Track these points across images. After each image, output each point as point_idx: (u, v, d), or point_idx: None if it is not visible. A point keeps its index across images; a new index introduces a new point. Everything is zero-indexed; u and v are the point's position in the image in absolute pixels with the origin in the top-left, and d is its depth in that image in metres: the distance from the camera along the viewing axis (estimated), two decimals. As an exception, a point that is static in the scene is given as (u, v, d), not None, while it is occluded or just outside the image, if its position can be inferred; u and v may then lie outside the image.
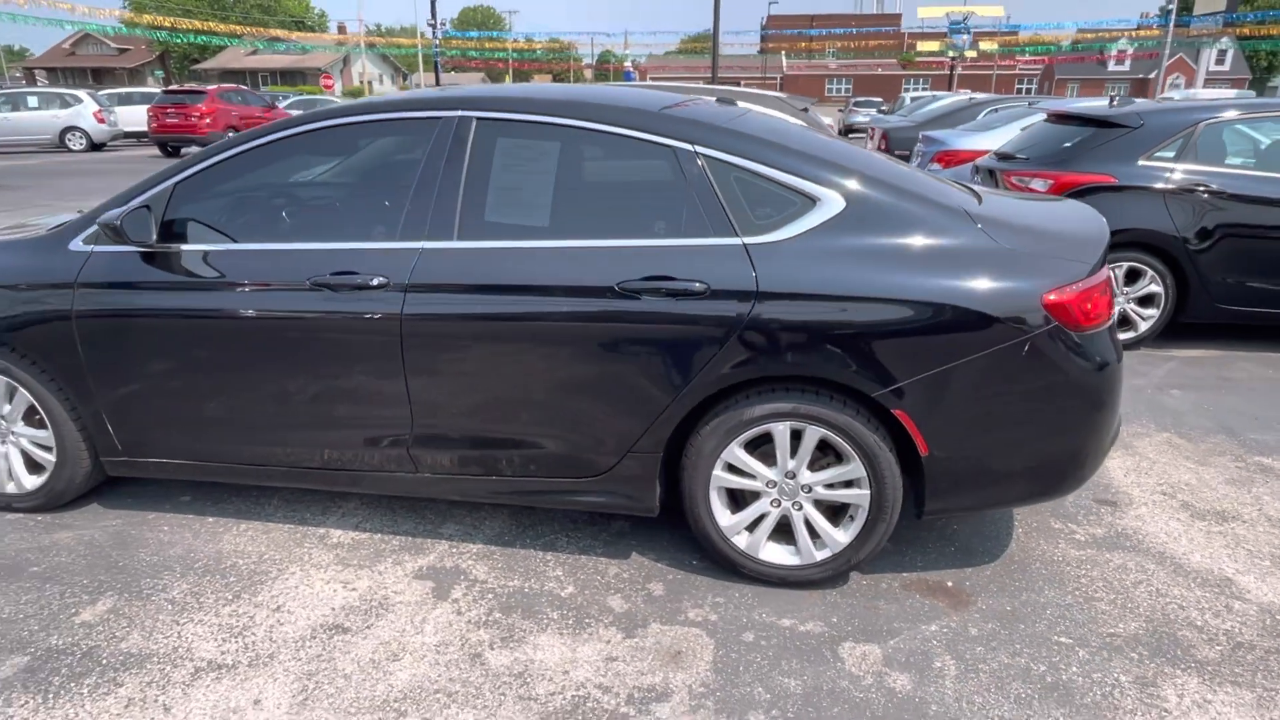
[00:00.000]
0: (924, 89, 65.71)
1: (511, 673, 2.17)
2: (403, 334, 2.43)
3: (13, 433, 2.87)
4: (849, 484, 2.41)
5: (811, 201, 2.34)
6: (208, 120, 17.54)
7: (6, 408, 2.85)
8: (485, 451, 2.55)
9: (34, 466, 2.93)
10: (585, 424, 2.45)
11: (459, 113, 2.50)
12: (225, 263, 2.54)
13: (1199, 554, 2.75)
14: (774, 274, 2.26)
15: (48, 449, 2.85)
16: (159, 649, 2.25)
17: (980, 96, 11.63)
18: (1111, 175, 4.65)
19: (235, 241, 2.57)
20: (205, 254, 2.56)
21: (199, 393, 2.63)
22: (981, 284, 2.22)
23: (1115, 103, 5.29)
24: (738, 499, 2.54)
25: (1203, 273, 4.63)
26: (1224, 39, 27.33)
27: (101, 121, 19.34)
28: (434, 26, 33.92)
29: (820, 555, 2.47)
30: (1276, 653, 2.25)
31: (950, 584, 2.57)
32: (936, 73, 67.54)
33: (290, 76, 55.31)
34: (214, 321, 2.54)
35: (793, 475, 2.43)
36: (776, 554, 2.52)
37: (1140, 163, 4.64)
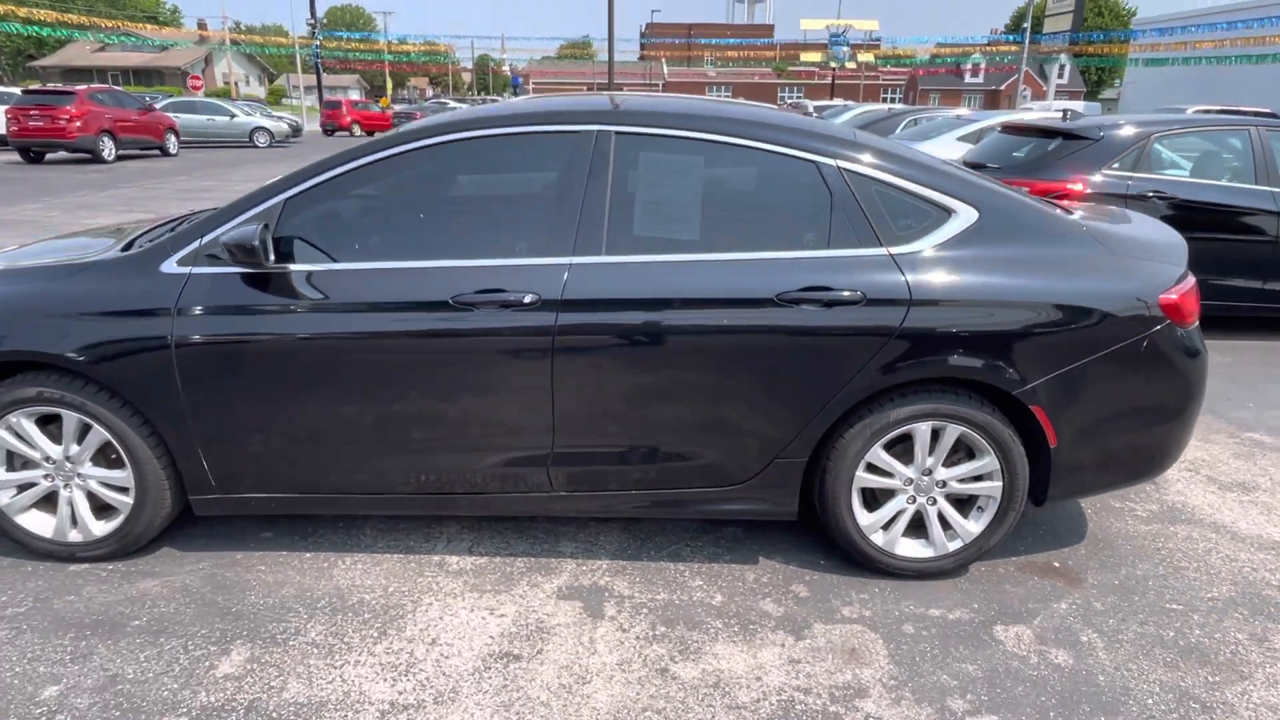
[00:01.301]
0: (798, 97, 68.77)
1: (706, 684, 2.19)
2: (554, 350, 2.39)
3: (79, 475, 2.60)
4: (979, 477, 2.57)
5: (947, 213, 2.48)
6: (78, 124, 16.03)
7: (74, 448, 2.57)
8: (630, 466, 2.54)
9: (100, 511, 2.66)
10: (735, 433, 2.49)
11: (597, 127, 2.49)
12: (353, 282, 2.41)
13: (1244, 522, 3.10)
14: (923, 282, 2.39)
15: (122, 490, 2.60)
16: (329, 696, 2.12)
17: (898, 107, 12.33)
18: (1080, 184, 5.10)
19: (357, 260, 2.45)
20: (330, 273, 2.42)
21: (313, 420, 2.48)
22: (1106, 288, 2.44)
23: (1068, 117, 5.80)
24: (871, 498, 2.65)
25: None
26: (1063, 55, 29.99)
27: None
28: (314, 26, 32.39)
29: (952, 546, 2.62)
30: (1348, 602, 2.59)
31: (1057, 564, 2.79)
32: (808, 82, 70.91)
33: (146, 76, 51.24)
34: (338, 344, 2.40)
35: (929, 472, 2.57)
36: (911, 548, 2.64)
37: (1104, 171, 5.12)
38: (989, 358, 2.41)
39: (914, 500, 2.60)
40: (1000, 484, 2.55)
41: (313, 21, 32.62)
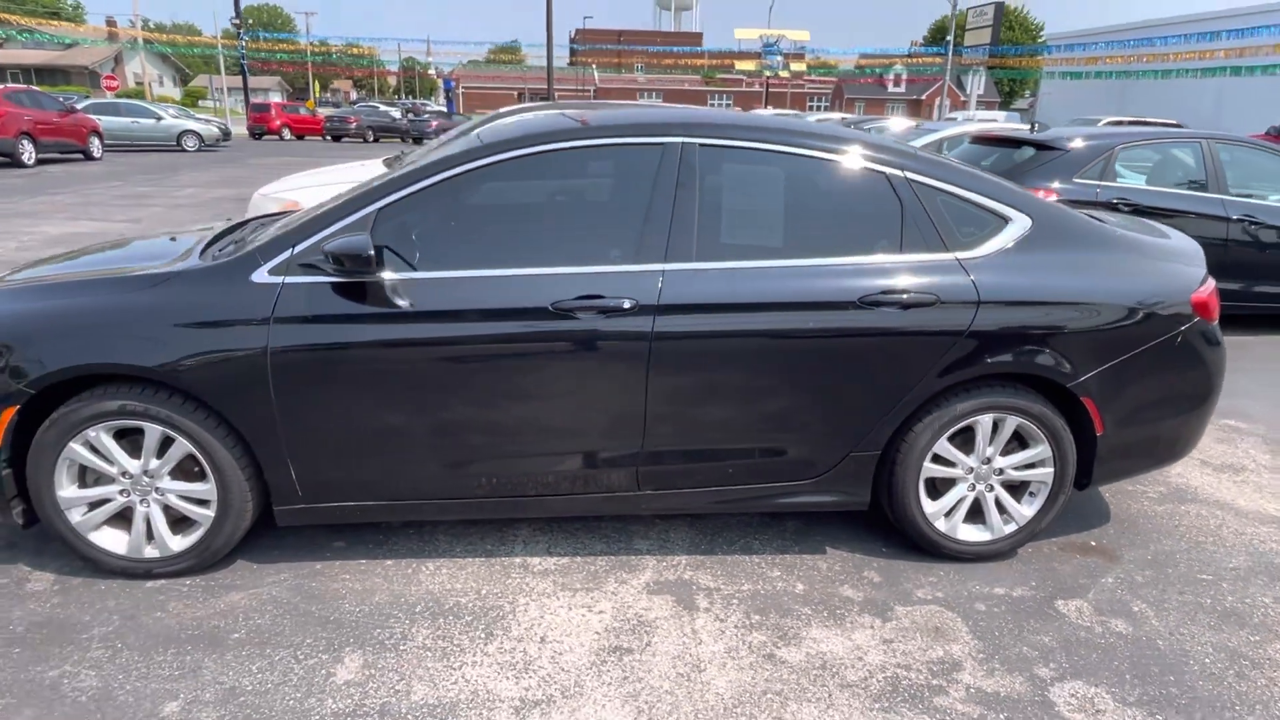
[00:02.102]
0: (727, 104, 70.06)
1: (814, 666, 2.32)
2: (650, 354, 2.48)
3: (157, 489, 2.55)
4: (1032, 465, 2.78)
5: (1004, 221, 2.69)
6: (-5, 124, 15.13)
7: (154, 462, 2.52)
8: (714, 464, 2.65)
9: (174, 525, 2.62)
10: (815, 429, 2.64)
11: (681, 139, 2.60)
12: (451, 290, 2.45)
13: (1242, 500, 3.42)
14: (988, 284, 2.59)
15: (201, 503, 2.57)
16: (458, 696, 2.16)
17: (850, 117, 12.78)
18: (1055, 191, 5.46)
19: (453, 268, 2.48)
20: (428, 281, 2.45)
21: (406, 427, 2.51)
22: (1147, 288, 2.68)
23: (1036, 129, 6.19)
24: (932, 487, 2.83)
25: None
26: (979, 67, 31.51)
27: None
28: (239, 26, 31.29)
29: (1008, 529, 2.83)
30: (1348, 566, 2.90)
31: (1093, 543, 3.03)
32: (737, 90, 72.29)
33: (49, 75, 48.45)
34: (436, 351, 2.44)
35: (988, 461, 2.77)
36: (970, 533, 2.84)
37: (1075, 179, 5.50)
38: (1047, 354, 2.62)
39: (973, 488, 2.80)
40: (1052, 470, 2.77)
41: (237, 21, 31.51)
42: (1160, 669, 2.34)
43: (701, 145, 2.60)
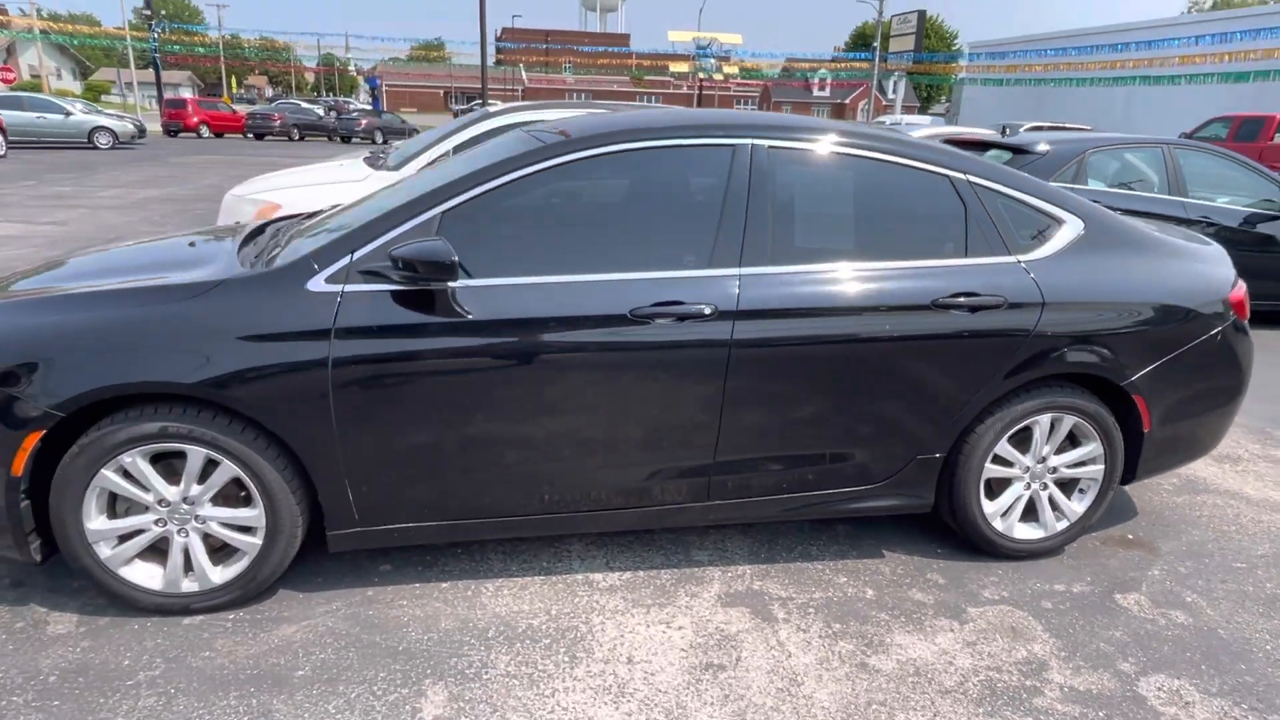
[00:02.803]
0: (656, 105, 70.43)
1: (908, 673, 2.30)
2: (729, 360, 2.42)
3: (197, 517, 2.34)
4: (1083, 463, 2.84)
5: (1059, 223, 2.73)
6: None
7: (195, 488, 2.32)
8: (786, 470, 2.61)
9: (215, 555, 2.41)
10: (885, 433, 2.62)
11: (750, 140, 2.54)
12: (523, 296, 2.33)
13: (1249, 489, 3.58)
14: (1051, 286, 2.62)
15: (245, 530, 2.37)
16: (559, 725, 2.05)
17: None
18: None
19: (524, 274, 2.36)
20: (499, 288, 2.32)
21: (474, 441, 2.38)
22: (1193, 288, 2.78)
23: (1007, 133, 6.38)
24: (987, 487, 2.85)
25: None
26: (902, 73, 32.58)
27: None
28: (150, 17, 29.63)
29: (1060, 526, 2.88)
30: (1363, 549, 3.07)
31: (1130, 537, 3.11)
32: (665, 91, 72.83)
33: (-68, 65, 44.70)
34: (506, 361, 2.32)
35: (1043, 460, 2.81)
36: (1025, 531, 2.88)
37: (1050, 182, 5.69)
38: (1103, 353, 2.68)
39: (1029, 486, 2.84)
40: (1103, 467, 2.83)
41: (147, 11, 29.86)
42: (1230, 658, 2.42)
43: (770, 147, 2.55)
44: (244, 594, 2.43)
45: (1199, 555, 3.00)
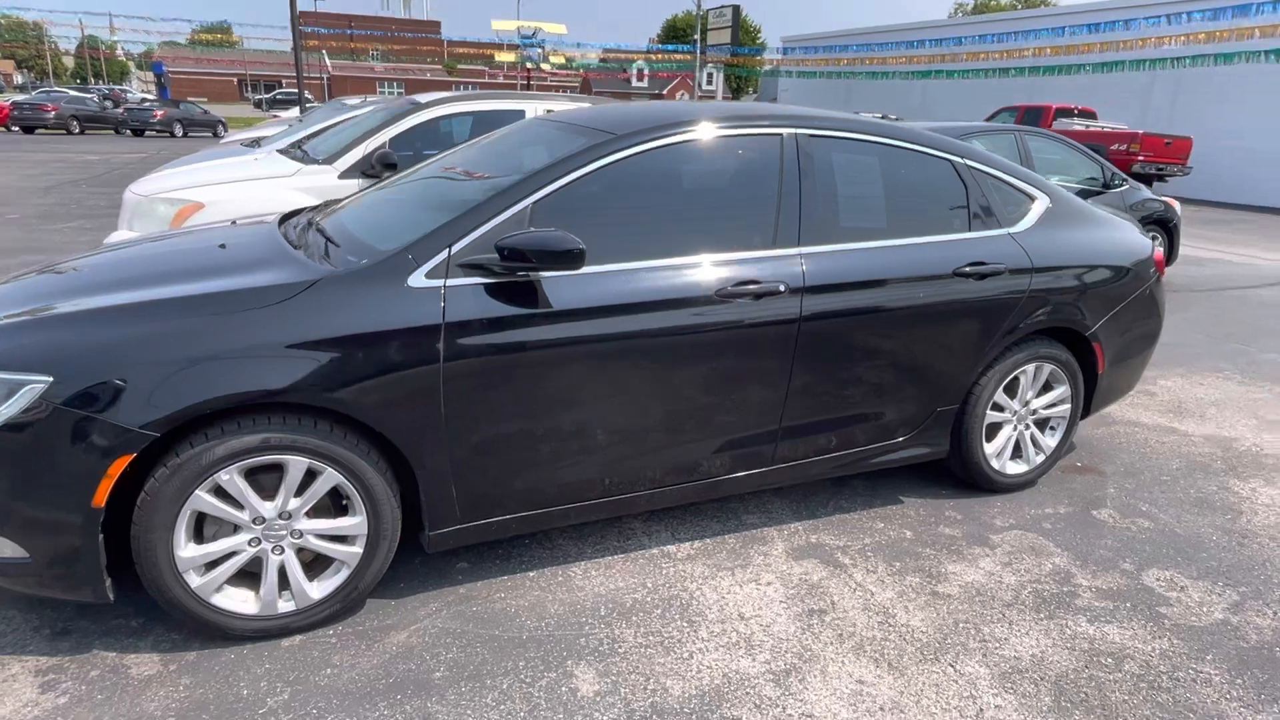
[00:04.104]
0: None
1: (970, 594, 2.63)
2: (799, 334, 2.63)
3: (293, 531, 2.22)
4: (1054, 404, 3.33)
5: (1031, 199, 3.18)
6: None
7: (293, 501, 2.19)
8: (836, 430, 2.86)
9: (308, 569, 2.30)
10: (917, 389, 2.95)
11: (793, 129, 2.75)
12: (618, 283, 2.40)
13: (1144, 417, 4.31)
14: (1036, 253, 3.06)
15: (342, 540, 2.28)
16: (713, 682, 2.18)
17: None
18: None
19: (613, 261, 2.43)
20: (596, 276, 2.37)
21: (572, 428, 2.43)
22: (1132, 251, 3.33)
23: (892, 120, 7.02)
24: (988, 432, 3.27)
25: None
26: (719, 64, 34.22)
27: None
28: None
29: (1039, 460, 3.36)
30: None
31: (1079, 464, 3.67)
32: (479, 80, 71.41)
33: None
34: (606, 347, 2.39)
35: (1027, 404, 3.27)
36: (1013, 467, 3.33)
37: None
38: (1075, 308, 3.16)
39: (1015, 428, 3.29)
40: (1070, 406, 3.33)
41: None
42: (1193, 549, 2.97)
43: (810, 135, 2.78)
44: (344, 607, 2.33)
45: (1135, 474, 3.60)
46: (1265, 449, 3.95)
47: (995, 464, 3.26)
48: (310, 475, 2.19)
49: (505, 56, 35.64)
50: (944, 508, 3.21)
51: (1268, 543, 3.04)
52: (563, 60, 40.22)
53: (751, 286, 2.54)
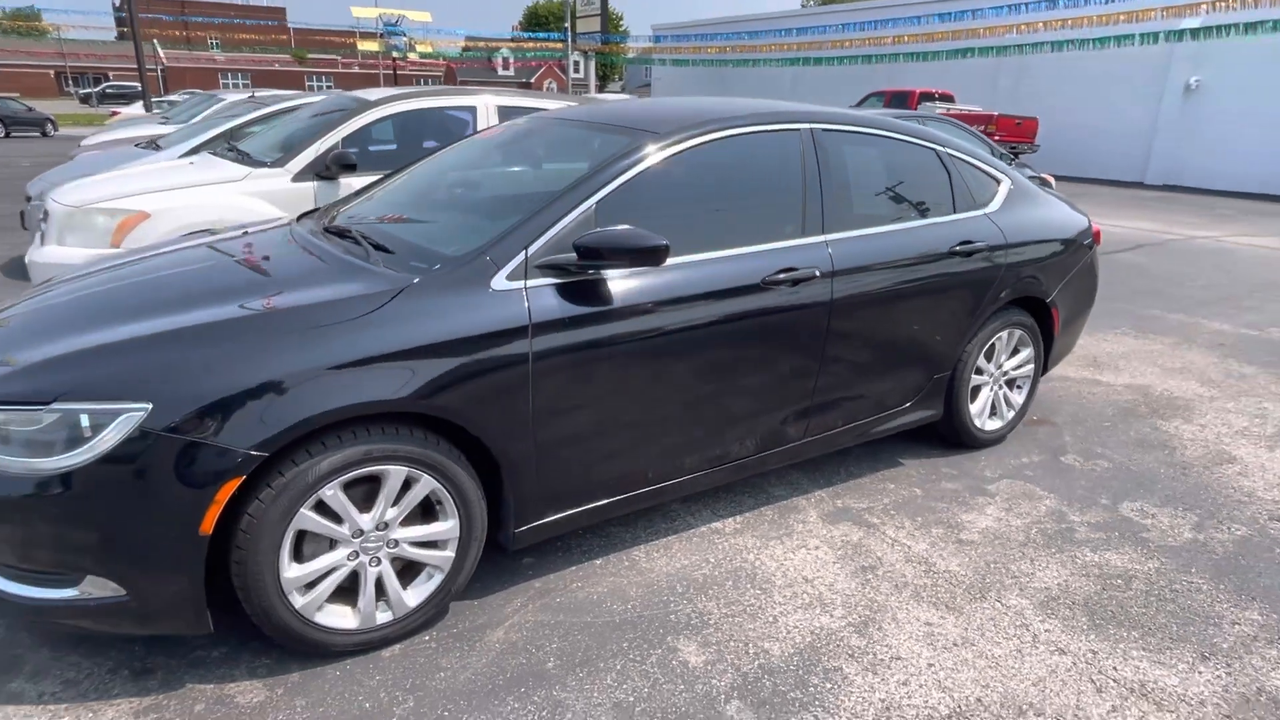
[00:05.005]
0: (327, 86, 65.60)
1: (990, 538, 2.95)
2: (830, 315, 2.84)
3: (390, 541, 2.21)
4: (1021, 366, 3.72)
5: (998, 182, 3.53)
6: None
7: (391, 511, 2.18)
8: (859, 401, 3.10)
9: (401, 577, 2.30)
10: (920, 360, 3.23)
11: (809, 124, 2.94)
12: (684, 275, 2.52)
13: (1070, 372, 4.84)
14: (1008, 230, 3.41)
15: (433, 545, 2.30)
16: (807, 639, 2.36)
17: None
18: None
19: (676, 254, 2.53)
20: (656, 270, 2.48)
21: (644, 417, 2.53)
22: (1077, 225, 3.76)
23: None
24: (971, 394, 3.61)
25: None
26: (590, 52, 34.37)
27: None
28: None
29: (1010, 416, 3.75)
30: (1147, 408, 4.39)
31: (1035, 418, 4.11)
32: (331, 70, 68.10)
33: None
34: (674, 338, 2.50)
35: (1000, 367, 3.64)
36: (991, 424, 3.70)
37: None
38: (1038, 278, 3.54)
39: (993, 389, 3.65)
40: (1034, 366, 3.74)
41: None
42: (1150, 482, 3.43)
43: (824, 129, 2.98)
44: (437, 612, 2.35)
45: (1081, 422, 4.08)
46: (1175, 393, 4.55)
47: (978, 423, 3.61)
48: (406, 484, 2.19)
49: (368, 45, 34.11)
50: (939, 466, 3.53)
51: (1203, 471, 3.55)
52: (430, 49, 39.01)
53: (791, 273, 2.72)
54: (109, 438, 1.83)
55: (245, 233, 2.94)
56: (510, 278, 2.27)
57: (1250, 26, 14.75)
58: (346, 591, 2.24)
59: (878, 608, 2.52)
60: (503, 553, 2.73)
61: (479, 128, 5.11)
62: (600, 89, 62.78)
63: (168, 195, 4.23)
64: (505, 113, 5.19)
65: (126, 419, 1.84)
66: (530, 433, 2.31)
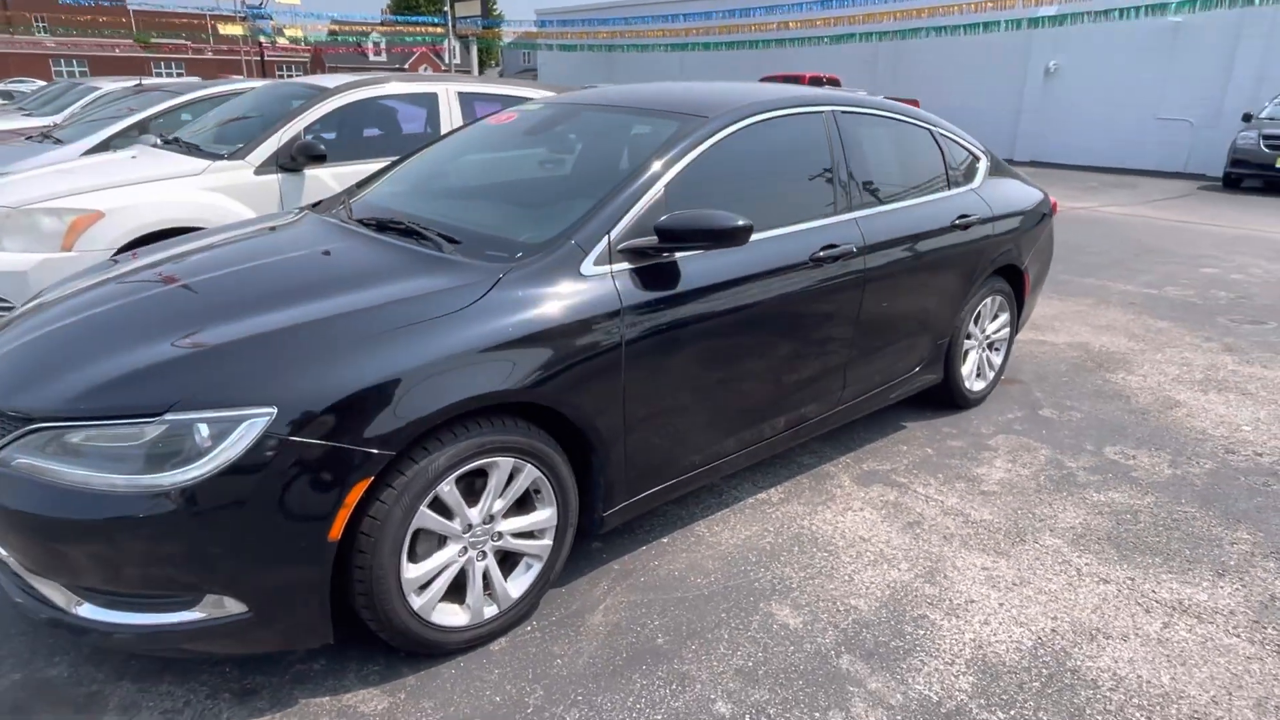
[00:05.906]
0: (178, 73, 60.89)
1: (1006, 489, 3.20)
2: (864, 286, 2.99)
3: (495, 534, 2.19)
4: (1000, 329, 4.03)
5: (979, 159, 3.79)
6: None
7: (498, 504, 2.16)
8: (881, 369, 3.28)
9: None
10: (930, 325, 3.45)
11: (830, 107, 3.07)
12: (750, 253, 2.59)
13: (1022, 335, 5.24)
14: (992, 203, 3.67)
15: (530, 535, 2.29)
16: (883, 593, 2.51)
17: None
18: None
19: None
20: (722, 250, 2.54)
21: (719, 391, 2.60)
22: (1038, 197, 4.09)
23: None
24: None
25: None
26: (471, 37, 33.66)
27: None
28: None
29: (991, 376, 4.05)
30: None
31: (1005, 378, 4.45)
32: (183, 56, 63.37)
33: None
34: (745, 313, 2.57)
35: (984, 331, 3.92)
36: (978, 385, 3.98)
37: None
38: (1015, 247, 3.84)
39: (979, 352, 3.93)
40: (1009, 329, 4.05)
41: None
42: (1119, 428, 3.80)
43: (844, 112, 3.11)
44: (535, 601, 2.34)
45: (1044, 379, 4.45)
46: (1110, 347, 5.02)
47: (968, 384, 3.89)
48: (510, 475, 2.17)
49: (231, 29, 31.92)
50: (939, 426, 3.78)
51: (1159, 415, 3.96)
52: (299, 34, 36.92)
53: (832, 249, 2.85)
54: (233, 447, 1.73)
55: (273, 228, 2.78)
56: (597, 263, 2.28)
57: (1102, 14, 16.17)
58: (451, 589, 2.20)
59: (936, 558, 2.70)
60: (581, 538, 2.74)
61: (440, 117, 4.97)
62: (479, 74, 61.44)
63: (121, 193, 3.90)
64: (466, 100, 5.07)
65: (250, 425, 1.74)
66: (621, 416, 2.33)
